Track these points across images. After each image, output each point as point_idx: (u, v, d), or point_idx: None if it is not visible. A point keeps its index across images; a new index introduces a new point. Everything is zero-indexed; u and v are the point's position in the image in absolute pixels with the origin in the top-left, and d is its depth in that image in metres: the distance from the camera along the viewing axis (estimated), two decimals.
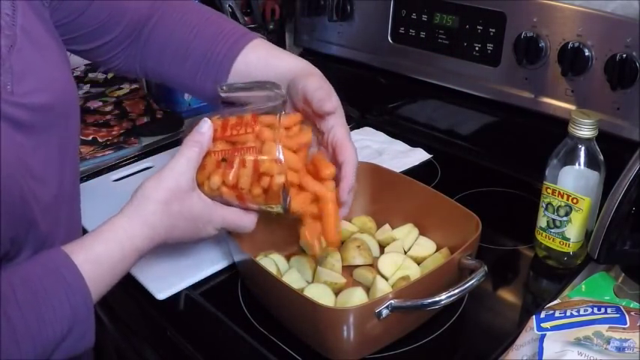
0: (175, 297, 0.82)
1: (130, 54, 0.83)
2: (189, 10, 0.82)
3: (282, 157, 0.66)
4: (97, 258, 0.61)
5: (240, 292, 0.82)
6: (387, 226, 0.88)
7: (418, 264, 0.81)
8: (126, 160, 1.16)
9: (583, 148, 0.78)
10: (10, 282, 0.56)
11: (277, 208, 0.70)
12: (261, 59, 0.78)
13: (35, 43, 0.64)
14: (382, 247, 0.86)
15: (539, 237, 0.85)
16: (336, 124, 0.72)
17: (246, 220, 0.72)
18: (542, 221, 0.84)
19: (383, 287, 0.76)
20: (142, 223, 0.64)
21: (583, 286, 0.77)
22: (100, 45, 0.79)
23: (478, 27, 1.07)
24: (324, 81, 0.73)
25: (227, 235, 0.77)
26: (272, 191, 0.67)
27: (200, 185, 0.69)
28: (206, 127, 0.68)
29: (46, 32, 0.67)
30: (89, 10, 0.75)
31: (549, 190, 0.81)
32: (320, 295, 0.74)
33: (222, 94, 0.72)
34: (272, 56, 0.79)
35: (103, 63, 0.83)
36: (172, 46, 0.81)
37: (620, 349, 0.59)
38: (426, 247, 0.83)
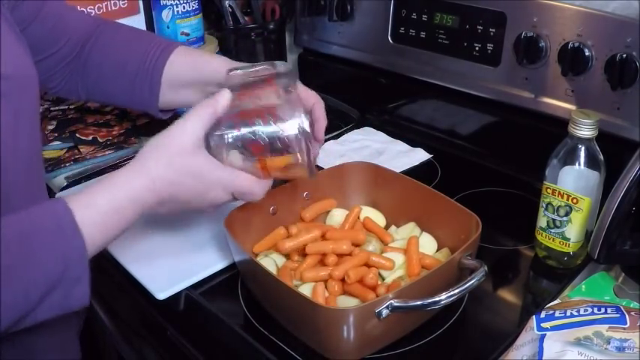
0: (175, 297, 0.82)
1: (71, 73, 0.86)
2: (123, 30, 0.89)
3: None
4: (89, 200, 0.61)
5: (240, 292, 0.82)
6: (392, 228, 0.88)
7: None
8: (126, 160, 1.16)
9: (583, 148, 0.78)
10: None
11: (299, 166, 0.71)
12: (188, 63, 0.85)
13: None
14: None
15: (539, 237, 0.85)
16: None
17: (257, 187, 0.72)
18: (542, 221, 0.84)
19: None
20: (140, 173, 0.65)
21: (583, 286, 0.77)
22: (46, 57, 0.83)
23: (478, 27, 1.07)
24: None
25: (227, 235, 0.77)
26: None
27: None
28: (225, 94, 0.70)
29: (4, 23, 0.68)
30: (40, 15, 0.79)
31: (549, 190, 0.81)
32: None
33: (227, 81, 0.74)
34: (197, 59, 0.85)
35: (44, 81, 0.85)
36: (109, 62, 0.86)
37: (620, 349, 0.59)
38: (427, 246, 0.83)
